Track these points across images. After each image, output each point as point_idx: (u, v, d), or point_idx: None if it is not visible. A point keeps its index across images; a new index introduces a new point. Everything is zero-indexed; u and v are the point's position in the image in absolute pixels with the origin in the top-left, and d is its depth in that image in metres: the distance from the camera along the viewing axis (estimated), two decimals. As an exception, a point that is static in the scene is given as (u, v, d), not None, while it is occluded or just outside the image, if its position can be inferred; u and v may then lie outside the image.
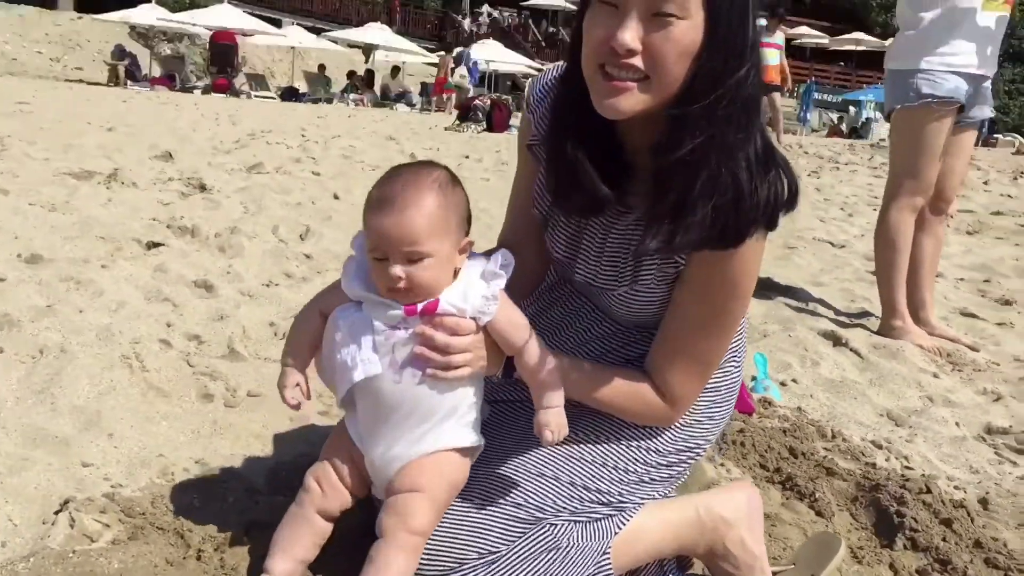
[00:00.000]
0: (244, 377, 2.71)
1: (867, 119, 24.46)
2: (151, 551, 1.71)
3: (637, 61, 1.44)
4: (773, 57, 12.30)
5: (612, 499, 1.71)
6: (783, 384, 3.23)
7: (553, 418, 1.57)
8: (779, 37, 12.73)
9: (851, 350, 3.65)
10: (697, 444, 1.83)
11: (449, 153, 8.41)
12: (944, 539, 2.22)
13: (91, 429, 2.20)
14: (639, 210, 1.63)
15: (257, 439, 2.35)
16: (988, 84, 3.79)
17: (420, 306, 1.51)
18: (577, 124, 1.60)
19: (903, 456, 2.76)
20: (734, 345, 1.83)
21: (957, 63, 3.60)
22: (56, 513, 1.84)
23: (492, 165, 8.10)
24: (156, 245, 3.92)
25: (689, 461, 1.84)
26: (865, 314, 4.22)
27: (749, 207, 1.51)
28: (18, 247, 3.54)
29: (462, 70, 20.31)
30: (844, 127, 25.75)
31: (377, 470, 1.59)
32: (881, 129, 22.48)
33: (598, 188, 1.59)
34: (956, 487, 2.60)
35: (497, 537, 1.60)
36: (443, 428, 1.58)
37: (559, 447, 1.69)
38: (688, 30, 1.42)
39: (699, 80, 1.46)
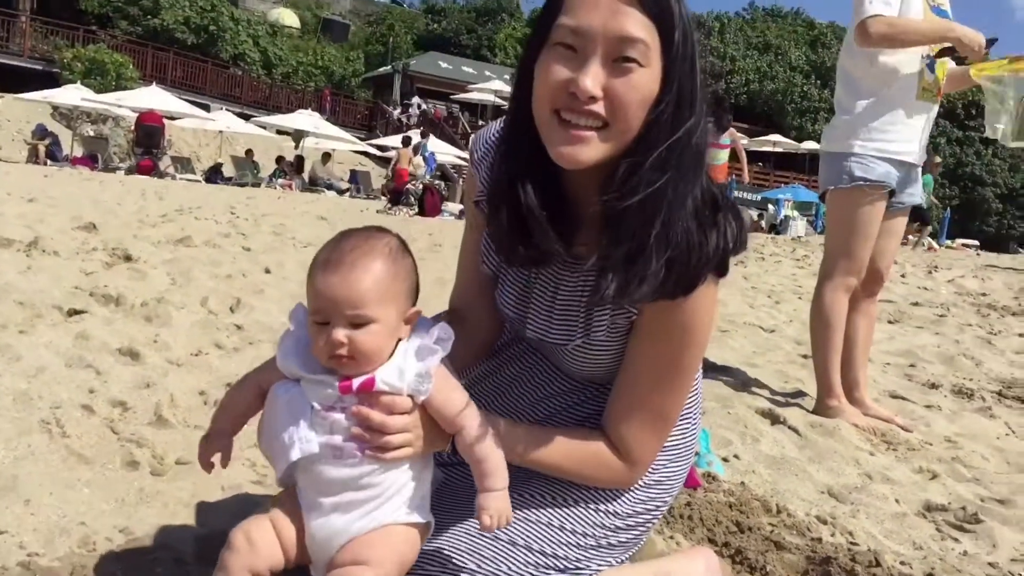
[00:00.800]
0: (172, 444, 2.57)
1: (785, 216, 25.31)
2: (70, 623, 1.58)
3: (598, 107, 1.41)
4: (722, 157, 12.74)
5: (569, 564, 1.64)
6: (725, 460, 3.20)
7: (493, 503, 1.47)
8: (726, 138, 13.17)
9: (789, 428, 3.67)
10: (656, 505, 1.78)
11: (381, 234, 8.41)
12: (896, 612, 2.19)
13: (6, 495, 2.05)
14: (588, 260, 1.56)
15: (186, 508, 2.22)
16: (918, 171, 3.93)
17: (356, 384, 1.43)
18: (523, 173, 1.55)
19: (848, 531, 2.74)
20: (690, 401, 1.79)
21: (889, 149, 3.72)
22: (-35, 583, 1.69)
23: (426, 247, 8.08)
24: (78, 312, 3.76)
25: (648, 524, 1.78)
26: (800, 394, 4.27)
27: (700, 255, 1.49)
28: (-70, 310, 3.35)
29: (418, 159, 20.63)
30: (764, 224, 26.59)
31: (317, 543, 1.48)
32: (799, 226, 23.31)
33: (548, 238, 1.54)
34: (902, 562, 2.58)
35: None
36: (388, 506, 1.49)
37: (525, 514, 1.62)
38: (648, 78, 1.42)
39: (654, 129, 1.44)
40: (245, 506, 2.28)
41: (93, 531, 1.99)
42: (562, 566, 1.63)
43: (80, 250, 5.02)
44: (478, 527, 1.58)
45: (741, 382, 4.31)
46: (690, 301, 1.52)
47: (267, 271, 5.46)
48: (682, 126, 1.44)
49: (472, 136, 1.89)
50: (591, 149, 1.44)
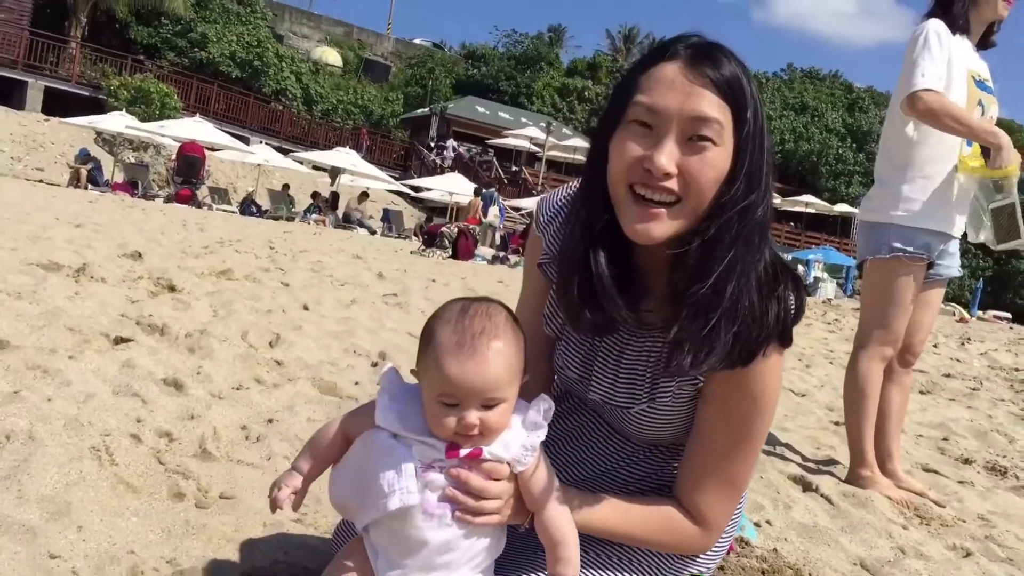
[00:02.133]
0: (216, 478, 2.61)
1: (815, 278, 25.23)
2: (122, 652, 1.61)
3: (672, 184, 1.46)
4: None
5: (614, 624, 1.66)
6: (757, 524, 3.20)
7: None
8: None
9: (822, 496, 3.65)
10: (700, 572, 1.80)
11: (416, 275, 8.47)
12: None
13: (59, 519, 2.09)
14: (655, 327, 1.63)
15: (229, 542, 2.25)
16: (956, 243, 3.94)
17: (464, 452, 1.47)
18: (595, 243, 1.59)
19: (881, 605, 2.73)
20: None
21: (929, 221, 3.74)
22: (21, 605, 1.73)
23: (459, 290, 8.16)
24: (124, 340, 3.84)
25: (689, 592, 1.80)
26: (832, 461, 4.25)
27: (762, 325, 1.53)
28: (-16, 332, 3.43)
29: (494, 210, 21.45)
30: (792, 285, 26.46)
31: None
32: (828, 288, 23.21)
33: (617, 307, 1.58)
34: (937, 640, 2.56)
35: None
36: (465, 569, 1.51)
37: None
38: (721, 156, 1.47)
39: (725, 205, 1.49)
40: (286, 544, 2.31)
41: (142, 560, 2.03)
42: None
43: (126, 278, 5.12)
44: None
45: (772, 446, 4.30)
46: (758, 371, 1.56)
47: (305, 308, 5.53)
48: (752, 201, 1.49)
49: (538, 200, 1.94)
50: (664, 226, 1.49)
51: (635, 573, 1.72)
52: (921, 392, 6.76)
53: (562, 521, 1.52)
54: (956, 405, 6.41)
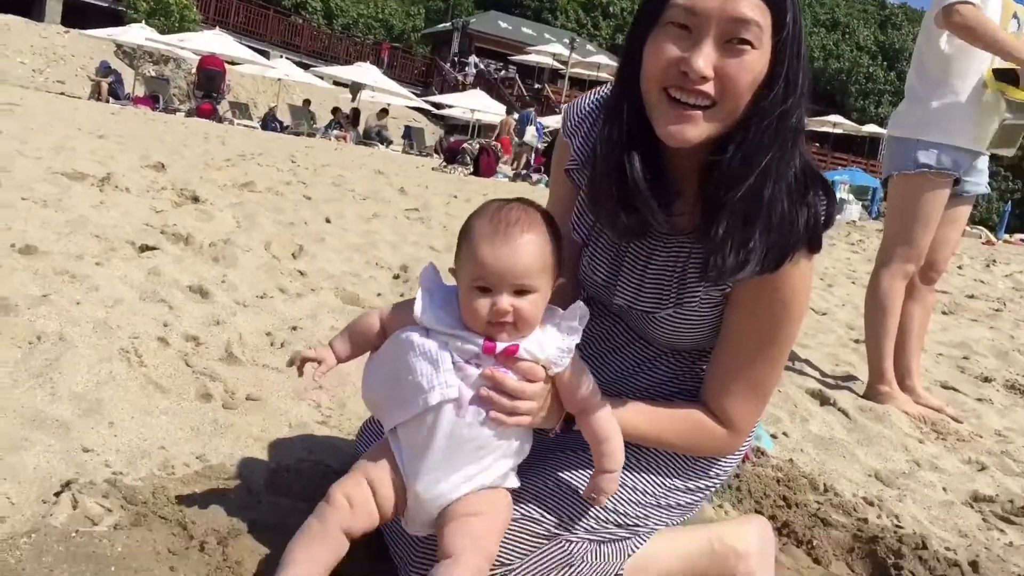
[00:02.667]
0: (242, 381, 2.67)
1: (841, 199, 24.93)
2: (154, 538, 1.67)
3: (708, 87, 1.44)
4: None
5: (629, 521, 1.70)
6: (774, 436, 3.24)
7: (608, 485, 1.55)
8: None
9: (839, 410, 3.69)
10: (719, 477, 1.83)
11: (437, 191, 8.45)
12: (941, 595, 2.22)
13: (91, 416, 2.16)
14: (683, 232, 1.64)
15: (256, 441, 2.31)
16: (985, 159, 3.88)
17: (500, 347, 1.48)
18: (629, 146, 1.59)
19: (894, 515, 2.77)
20: None
21: (957, 137, 3.68)
22: (57, 494, 1.79)
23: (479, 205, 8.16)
24: (149, 248, 3.88)
25: (707, 491, 1.84)
26: (850, 378, 4.27)
27: (793, 231, 1.53)
28: (11, 238, 3.48)
29: (532, 130, 21.27)
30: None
31: (421, 502, 1.52)
32: (854, 210, 22.96)
33: (651, 209, 1.58)
34: (947, 548, 2.61)
35: (511, 547, 1.58)
36: (494, 469, 1.53)
37: (586, 469, 1.68)
38: (758, 60, 1.45)
39: (761, 110, 1.48)
40: (311, 444, 2.37)
41: (172, 456, 2.09)
42: (622, 522, 1.69)
43: (150, 188, 5.15)
44: (545, 478, 1.65)
45: (792, 362, 4.32)
46: (788, 276, 1.57)
47: (327, 221, 5.55)
48: (789, 106, 1.48)
49: (565, 106, 1.92)
50: (698, 128, 1.48)
51: (660, 475, 1.75)
52: (943, 313, 6.74)
53: (605, 418, 1.55)
54: (978, 325, 6.40)
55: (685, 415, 1.71)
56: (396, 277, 4.48)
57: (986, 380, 4.72)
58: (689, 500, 1.80)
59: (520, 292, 1.47)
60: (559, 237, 1.56)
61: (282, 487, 2.08)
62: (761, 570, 1.82)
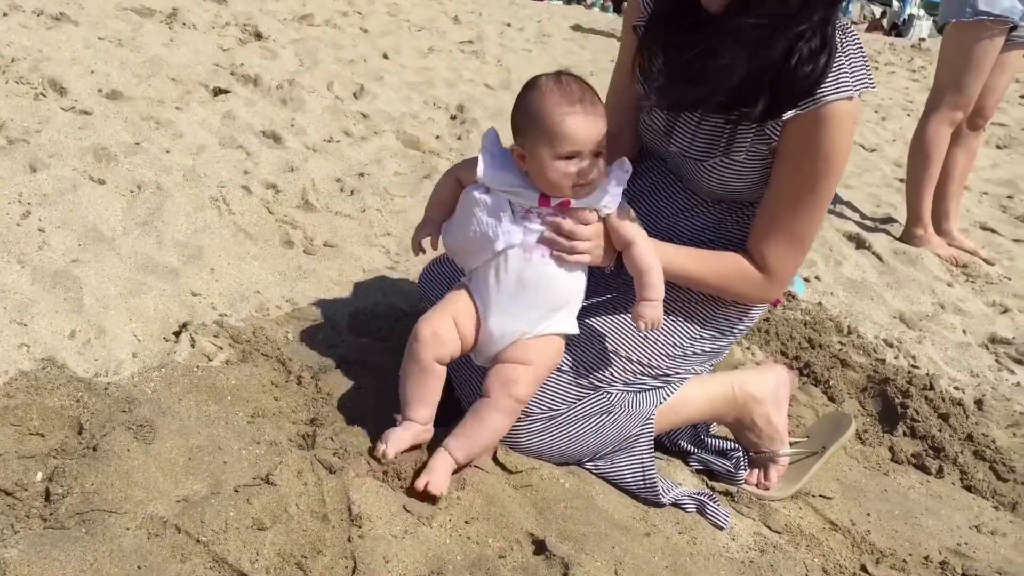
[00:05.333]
0: (319, 228, 2.94)
1: (910, 15, 23.74)
2: (260, 373, 1.99)
3: None
4: None
5: (661, 373, 1.96)
6: (807, 280, 3.46)
7: (649, 311, 1.77)
8: None
9: (873, 253, 3.88)
10: (746, 324, 2.07)
11: (491, 19, 8.38)
12: (940, 430, 2.50)
13: (194, 262, 2.45)
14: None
15: (336, 285, 2.61)
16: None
17: (554, 201, 1.73)
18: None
19: (911, 355, 3.02)
20: None
21: (1016, -17, 3.68)
22: (176, 334, 2.11)
23: (534, 36, 8.09)
24: (223, 92, 4.08)
25: (733, 340, 2.09)
26: (889, 220, 4.42)
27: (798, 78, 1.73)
28: (97, 82, 3.70)
29: None
30: (886, 22, 25.03)
31: (493, 339, 1.79)
32: (923, 27, 21.93)
33: (720, 91, 1.77)
34: (956, 387, 2.87)
35: (559, 397, 1.87)
36: (558, 315, 1.79)
37: (626, 327, 1.93)
38: None
39: None
40: (384, 287, 2.66)
41: (266, 299, 2.40)
42: (655, 374, 1.96)
43: (215, 24, 5.27)
44: (588, 336, 1.91)
45: (833, 204, 4.46)
46: (826, 125, 1.74)
47: (385, 56, 5.65)
48: None
49: None
50: None
51: (692, 323, 1.99)
52: (997, 147, 6.70)
53: (647, 253, 1.79)
54: (1030, 162, 6.38)
55: (728, 258, 1.92)
56: (453, 118, 4.65)
57: (1026, 221, 4.82)
58: (717, 347, 2.05)
59: (599, 154, 1.71)
60: None
61: (361, 327, 2.39)
62: (774, 413, 2.07)
